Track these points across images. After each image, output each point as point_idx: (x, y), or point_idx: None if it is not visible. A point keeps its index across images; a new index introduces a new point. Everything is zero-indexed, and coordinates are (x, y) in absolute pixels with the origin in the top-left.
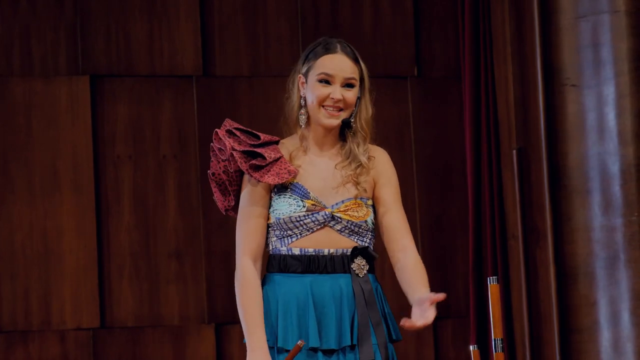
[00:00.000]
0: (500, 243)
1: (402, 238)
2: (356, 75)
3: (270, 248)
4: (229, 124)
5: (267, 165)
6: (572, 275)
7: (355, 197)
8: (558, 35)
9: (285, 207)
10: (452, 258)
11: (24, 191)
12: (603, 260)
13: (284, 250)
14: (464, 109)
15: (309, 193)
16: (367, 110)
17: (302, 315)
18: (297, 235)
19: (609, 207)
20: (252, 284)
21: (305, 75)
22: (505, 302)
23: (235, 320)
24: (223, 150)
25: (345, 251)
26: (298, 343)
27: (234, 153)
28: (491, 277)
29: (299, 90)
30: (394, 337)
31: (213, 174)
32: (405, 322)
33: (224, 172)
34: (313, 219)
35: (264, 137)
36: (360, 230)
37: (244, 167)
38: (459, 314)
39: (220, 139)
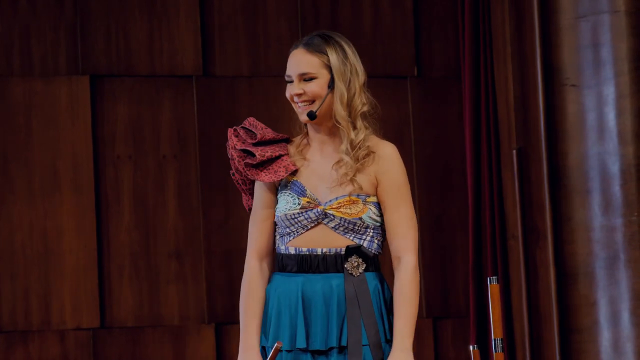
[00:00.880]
0: (500, 243)
1: (398, 239)
2: (313, 68)
3: (276, 246)
4: (247, 122)
5: (263, 163)
6: (572, 275)
7: (350, 194)
8: (558, 35)
9: (283, 204)
10: (452, 258)
11: (24, 191)
12: (603, 260)
13: (282, 249)
14: (464, 109)
15: (306, 191)
16: (342, 99)
17: (293, 315)
18: (293, 234)
19: (609, 207)
20: (252, 285)
21: None
22: (505, 302)
23: (235, 320)
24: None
25: (339, 250)
26: (276, 345)
27: (233, 152)
28: (491, 277)
29: None
30: None
31: (233, 174)
32: None
33: (236, 171)
34: (306, 216)
35: (266, 134)
36: (356, 228)
37: (240, 165)
38: (459, 314)
39: (228, 138)
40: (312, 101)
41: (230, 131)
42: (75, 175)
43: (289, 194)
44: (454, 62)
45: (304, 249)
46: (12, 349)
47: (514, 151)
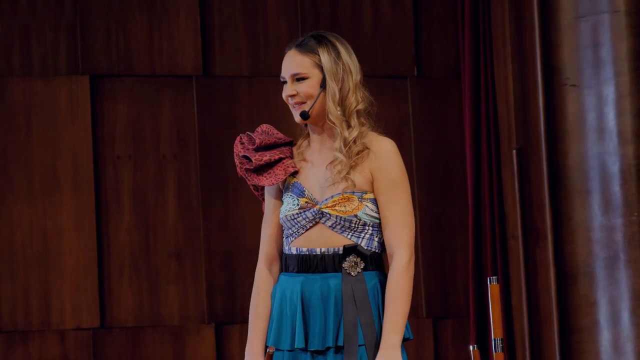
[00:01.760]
0: (500, 243)
1: (391, 235)
2: (305, 68)
3: (282, 248)
4: (260, 128)
5: (263, 167)
6: (572, 275)
7: (343, 192)
8: (558, 35)
9: (285, 206)
10: (452, 258)
11: (24, 191)
12: (603, 260)
13: (286, 249)
14: (464, 109)
15: (305, 191)
16: (333, 98)
17: (293, 315)
18: (295, 235)
19: (609, 207)
20: (260, 290)
21: None
22: (505, 302)
23: (235, 320)
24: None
25: (337, 250)
26: (268, 350)
27: (236, 159)
28: (491, 277)
29: None
30: None
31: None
32: None
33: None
34: (304, 216)
35: (266, 139)
36: (353, 226)
37: (242, 172)
38: (459, 314)
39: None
40: (305, 101)
41: (237, 139)
42: (75, 175)
43: (290, 195)
44: (454, 62)
45: (304, 249)
46: (12, 349)
47: (514, 151)
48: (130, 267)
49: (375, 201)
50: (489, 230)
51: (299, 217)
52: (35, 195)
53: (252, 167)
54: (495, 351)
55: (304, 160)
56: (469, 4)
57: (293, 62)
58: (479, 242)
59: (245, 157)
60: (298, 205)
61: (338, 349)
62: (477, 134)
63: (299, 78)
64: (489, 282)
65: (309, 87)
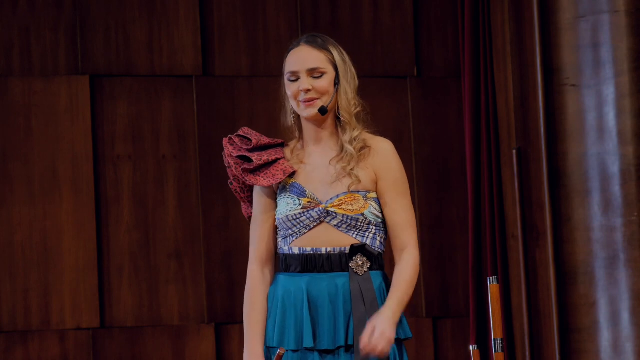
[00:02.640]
0: (500, 243)
1: (400, 235)
2: (322, 64)
3: (278, 248)
4: (242, 131)
5: (260, 167)
6: (571, 275)
7: (349, 189)
8: (558, 35)
9: (284, 206)
10: (452, 257)
11: (24, 191)
12: (603, 260)
13: (286, 249)
14: (464, 108)
15: (306, 191)
16: (346, 95)
17: (298, 315)
18: (296, 234)
19: (609, 207)
20: (255, 291)
21: (283, 77)
22: (505, 302)
23: (235, 320)
24: (225, 158)
25: (343, 249)
26: (279, 351)
27: (230, 160)
28: (491, 277)
29: (285, 91)
30: (397, 336)
31: (230, 182)
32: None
33: (234, 178)
34: (308, 216)
35: (261, 140)
36: (359, 225)
37: (237, 171)
38: (459, 313)
39: (224, 147)
40: (318, 97)
41: (225, 140)
42: (75, 175)
43: (289, 196)
44: (453, 62)
45: (308, 249)
46: (12, 349)
47: (514, 151)
48: (130, 267)
49: (378, 201)
50: (489, 230)
51: (302, 217)
52: (35, 195)
53: (251, 167)
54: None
55: (300, 161)
56: (469, 4)
57: (310, 56)
58: (478, 242)
59: (241, 157)
60: (300, 205)
61: (347, 348)
62: (477, 133)
63: (316, 74)
64: (488, 282)
65: (327, 82)
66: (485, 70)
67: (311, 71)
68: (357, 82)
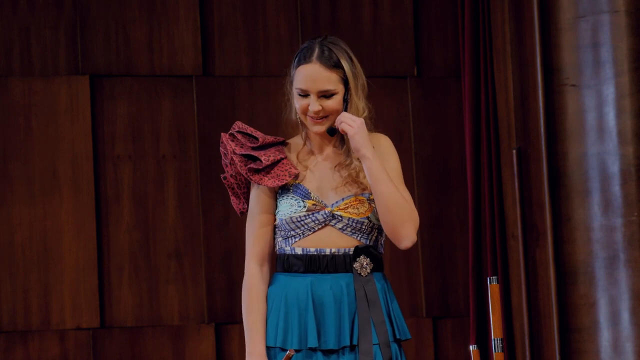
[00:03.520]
0: (500, 243)
1: None
2: (333, 85)
3: (277, 248)
4: (237, 126)
5: (266, 168)
6: (571, 275)
7: (356, 195)
8: (558, 35)
9: (287, 207)
10: (452, 257)
11: (24, 191)
12: (603, 260)
13: (287, 250)
14: (464, 108)
15: (310, 193)
16: (357, 111)
17: (302, 315)
18: (299, 235)
19: (609, 207)
20: (255, 290)
21: (291, 84)
22: (505, 302)
23: (235, 320)
24: (227, 154)
25: (347, 250)
26: (287, 353)
27: (234, 157)
28: (491, 277)
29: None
30: (398, 337)
31: (224, 177)
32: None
33: (231, 175)
34: (313, 218)
35: (266, 138)
36: (363, 228)
37: (243, 170)
38: (459, 313)
39: (224, 142)
40: (327, 115)
41: (225, 136)
42: (75, 175)
43: (292, 197)
44: (453, 62)
45: (312, 250)
46: (12, 349)
47: (514, 151)
48: (130, 267)
49: None
50: (489, 229)
51: (307, 219)
52: (35, 195)
53: (261, 167)
54: (495, 351)
55: (305, 162)
56: (469, 4)
57: (321, 77)
58: (478, 242)
59: (246, 155)
60: (305, 207)
61: (352, 348)
62: (477, 133)
63: (327, 95)
64: (488, 282)
65: (336, 103)
66: (485, 70)
67: (321, 92)
68: (366, 88)
